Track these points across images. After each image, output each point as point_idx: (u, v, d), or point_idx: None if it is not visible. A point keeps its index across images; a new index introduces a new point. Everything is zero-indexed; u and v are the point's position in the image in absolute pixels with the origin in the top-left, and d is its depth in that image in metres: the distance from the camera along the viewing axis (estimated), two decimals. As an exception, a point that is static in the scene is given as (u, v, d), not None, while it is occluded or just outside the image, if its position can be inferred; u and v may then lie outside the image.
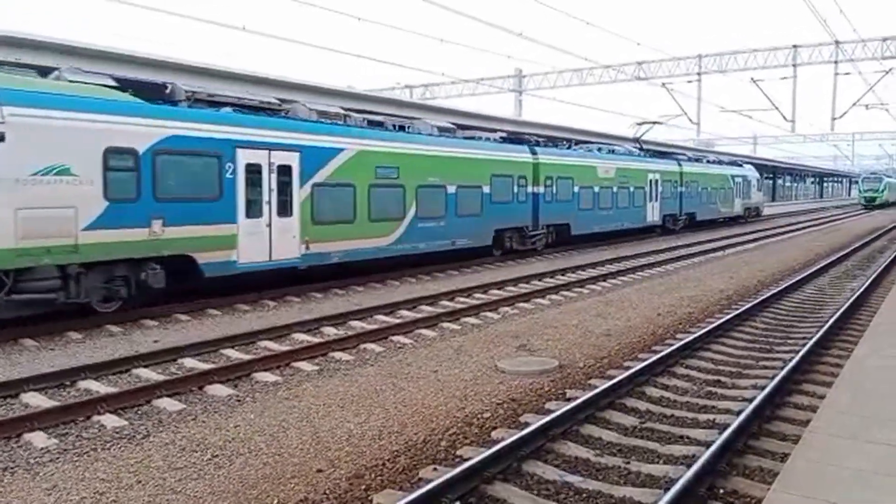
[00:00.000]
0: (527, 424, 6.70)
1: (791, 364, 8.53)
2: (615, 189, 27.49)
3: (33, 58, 15.43)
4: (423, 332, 11.34)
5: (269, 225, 13.92)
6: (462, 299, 14.48)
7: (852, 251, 24.05)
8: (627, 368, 8.74)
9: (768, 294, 14.26)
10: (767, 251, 24.82)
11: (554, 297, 14.93)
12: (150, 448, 6.33)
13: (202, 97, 13.68)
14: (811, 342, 9.70)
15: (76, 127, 10.92)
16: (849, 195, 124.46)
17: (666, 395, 8.04)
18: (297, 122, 14.97)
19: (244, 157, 13.42)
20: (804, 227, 38.97)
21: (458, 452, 6.30)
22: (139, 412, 7.40)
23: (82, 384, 8.33)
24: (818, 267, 18.97)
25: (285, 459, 6.10)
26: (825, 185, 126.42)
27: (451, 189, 18.85)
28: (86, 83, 11.70)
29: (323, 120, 15.81)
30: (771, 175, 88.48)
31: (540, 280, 17.32)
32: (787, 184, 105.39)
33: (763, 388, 7.67)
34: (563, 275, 18.36)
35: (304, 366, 9.23)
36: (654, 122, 34.74)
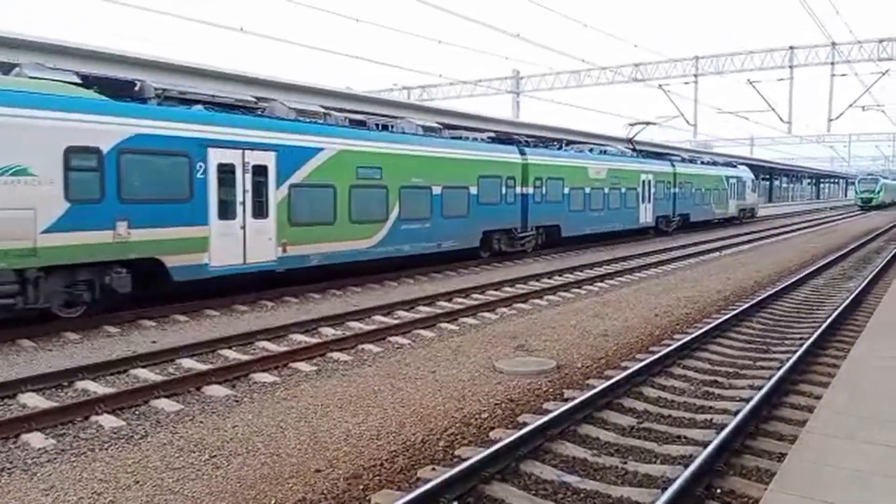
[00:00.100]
0: (525, 424, 6.70)
1: (788, 364, 8.55)
2: (607, 190, 27.17)
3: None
4: (421, 332, 11.34)
5: (244, 227, 13.50)
6: (460, 300, 14.49)
7: (849, 252, 24.10)
8: (625, 369, 8.75)
9: (765, 295, 14.29)
10: (764, 252, 24.87)
11: (551, 297, 14.94)
12: (147, 448, 6.33)
13: (173, 95, 13.27)
14: (808, 343, 9.72)
15: (34, 125, 10.49)
16: (845, 196, 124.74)
17: (663, 395, 8.05)
18: (272, 121, 14.57)
19: (216, 156, 12.97)
20: (801, 229, 39.04)
21: (457, 452, 6.31)
22: (137, 413, 7.40)
23: (80, 384, 8.33)
24: (815, 268, 19.01)
25: (283, 459, 6.10)
26: (822, 186, 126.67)
27: (437, 190, 18.45)
28: (47, 80, 11.28)
29: (301, 119, 15.43)
30: (768, 176, 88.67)
31: (537, 281, 17.33)
32: (784, 185, 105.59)
33: (760, 388, 7.68)
34: (560, 276, 18.38)
35: (303, 366, 9.23)
36: (647, 123, 34.56)
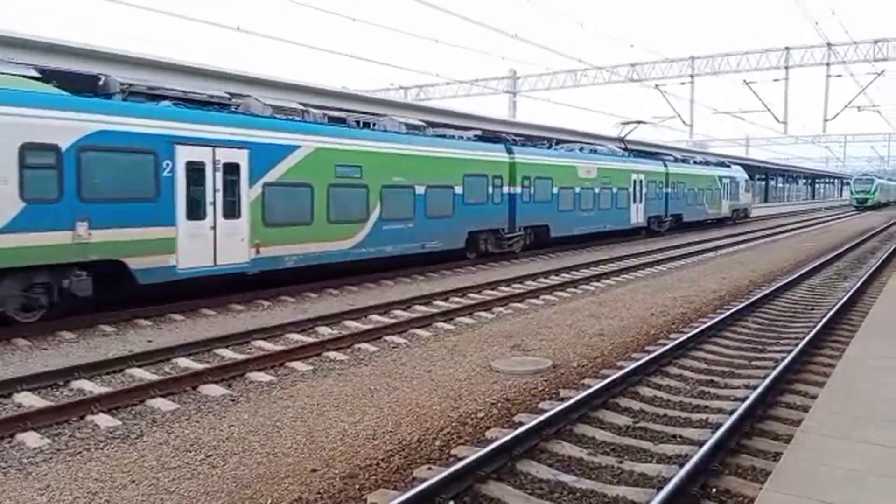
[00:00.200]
0: (521, 424, 6.72)
1: (783, 364, 8.57)
2: (597, 190, 26.83)
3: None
4: (418, 331, 11.34)
5: (214, 227, 13.01)
6: (456, 299, 14.49)
7: (844, 252, 24.17)
8: (621, 368, 8.76)
9: (760, 294, 14.32)
10: (759, 252, 24.92)
11: (548, 297, 14.96)
12: (143, 448, 6.32)
13: (140, 90, 12.82)
14: (803, 342, 9.74)
15: None
16: (840, 196, 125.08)
17: (659, 394, 8.06)
18: (245, 118, 14.09)
19: (184, 154, 12.49)
20: (796, 229, 39.14)
21: (453, 452, 6.31)
22: (133, 412, 7.38)
23: (75, 384, 8.31)
24: (810, 268, 19.07)
25: (279, 459, 6.10)
26: (817, 186, 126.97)
27: (420, 189, 18.01)
28: (1, 73, 10.85)
29: (277, 115, 14.99)
30: (763, 177, 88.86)
31: (533, 280, 17.35)
32: (780, 185, 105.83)
33: (755, 387, 7.70)
34: (556, 275, 18.40)
35: (299, 365, 9.23)
36: (639, 122, 34.16)
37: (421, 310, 13.21)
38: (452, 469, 5.43)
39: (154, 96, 13.02)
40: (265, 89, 20.69)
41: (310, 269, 15.30)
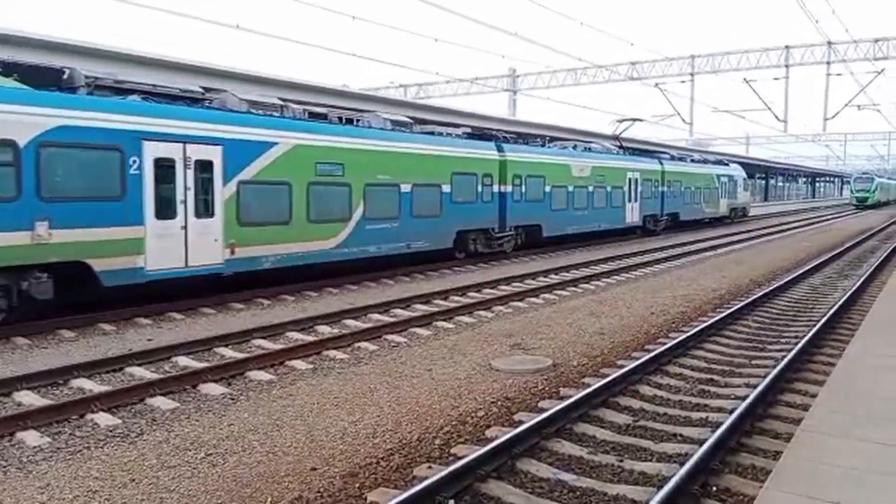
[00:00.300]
0: (520, 423, 6.71)
1: (783, 363, 8.58)
2: (591, 188, 26.36)
3: None
4: (418, 330, 11.34)
5: (185, 227, 12.50)
6: (456, 298, 14.49)
7: (844, 251, 24.17)
8: (621, 367, 8.76)
9: (761, 293, 14.32)
10: (759, 251, 24.92)
11: (547, 296, 14.95)
12: (143, 447, 6.32)
13: (107, 84, 12.28)
14: (803, 341, 9.74)
15: None
16: (840, 195, 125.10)
17: (659, 393, 8.06)
18: (219, 113, 13.54)
19: (152, 150, 11.97)
20: (796, 227, 39.13)
21: (453, 450, 6.31)
22: (133, 411, 7.38)
23: (75, 382, 8.31)
24: (810, 266, 19.06)
25: (279, 458, 6.10)
26: (817, 185, 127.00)
27: (406, 188, 17.52)
28: None
29: (253, 111, 14.45)
30: (763, 175, 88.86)
31: (533, 279, 17.35)
32: (780, 184, 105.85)
33: (755, 386, 7.70)
34: (555, 274, 18.40)
35: (299, 364, 9.23)
36: (635, 120, 33.69)
37: (421, 308, 13.20)
38: (452, 468, 5.44)
39: (122, 90, 12.53)
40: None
41: (290, 270, 14.90)
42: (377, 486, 5.58)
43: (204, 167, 12.88)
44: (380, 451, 6.28)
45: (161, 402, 7.59)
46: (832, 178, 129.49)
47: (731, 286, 16.07)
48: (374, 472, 5.84)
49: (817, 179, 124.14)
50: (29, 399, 7.70)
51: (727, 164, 43.77)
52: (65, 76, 12.13)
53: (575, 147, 27.99)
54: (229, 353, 9.79)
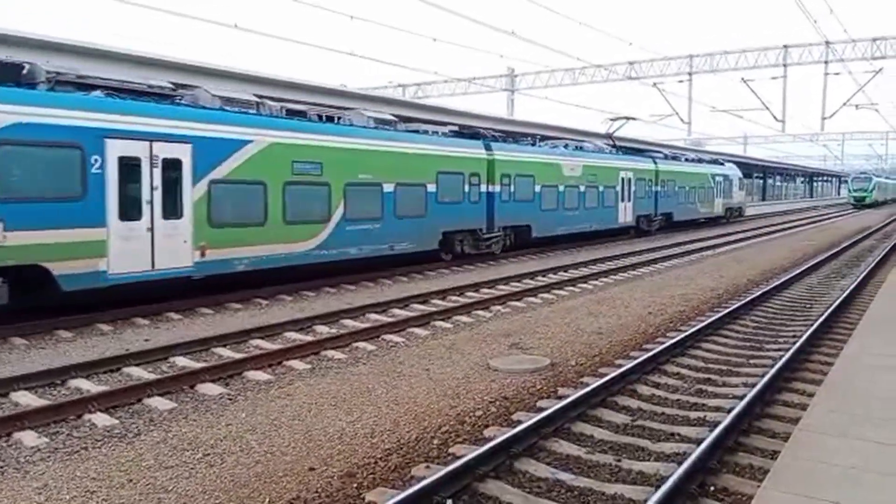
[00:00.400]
0: (519, 422, 6.72)
1: (781, 362, 8.59)
2: (583, 188, 25.93)
3: None
4: (416, 330, 11.34)
5: (152, 228, 12.00)
6: (454, 298, 14.49)
7: (842, 250, 24.20)
8: (619, 366, 8.76)
9: (759, 292, 14.33)
10: (757, 251, 24.95)
11: (545, 295, 14.96)
12: (141, 447, 6.31)
13: (69, 79, 11.79)
14: (801, 340, 9.76)
15: None
16: (838, 195, 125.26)
17: (657, 393, 8.07)
18: (188, 110, 13.01)
19: (116, 149, 11.46)
20: (794, 227, 39.18)
21: (451, 450, 6.31)
22: (130, 411, 7.37)
23: (73, 383, 8.29)
24: (808, 266, 19.08)
25: (277, 458, 6.09)
26: (815, 184, 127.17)
27: (389, 188, 17.01)
28: None
29: (227, 108, 13.95)
30: (761, 175, 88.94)
31: (531, 279, 17.35)
32: (778, 183, 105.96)
33: (753, 385, 7.71)
34: (553, 273, 18.41)
35: (297, 364, 9.22)
36: (628, 118, 33.16)
37: (418, 308, 13.20)
38: (451, 468, 5.43)
39: (85, 86, 11.95)
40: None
41: (266, 272, 14.43)
42: (375, 486, 5.58)
43: (172, 166, 12.40)
44: (378, 450, 6.27)
45: (159, 403, 7.58)
46: (830, 178, 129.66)
47: (729, 285, 16.08)
48: (372, 472, 5.84)
49: (815, 179, 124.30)
50: (26, 399, 7.69)
51: (722, 164, 43.38)
52: (24, 72, 11.58)
53: (566, 146, 27.59)
54: (227, 354, 9.78)
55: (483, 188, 20.65)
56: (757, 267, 19.53)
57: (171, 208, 12.38)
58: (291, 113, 15.78)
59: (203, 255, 12.86)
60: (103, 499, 5.29)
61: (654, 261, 21.25)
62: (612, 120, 33.05)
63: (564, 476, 5.74)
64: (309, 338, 10.66)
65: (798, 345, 9.49)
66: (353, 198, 16.03)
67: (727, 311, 12.21)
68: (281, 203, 14.32)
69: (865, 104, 41.91)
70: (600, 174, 27.31)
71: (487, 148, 21.20)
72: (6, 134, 10.32)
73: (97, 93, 11.92)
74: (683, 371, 8.99)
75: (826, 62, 35.30)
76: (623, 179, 29.20)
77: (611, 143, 32.50)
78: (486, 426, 6.94)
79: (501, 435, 6.21)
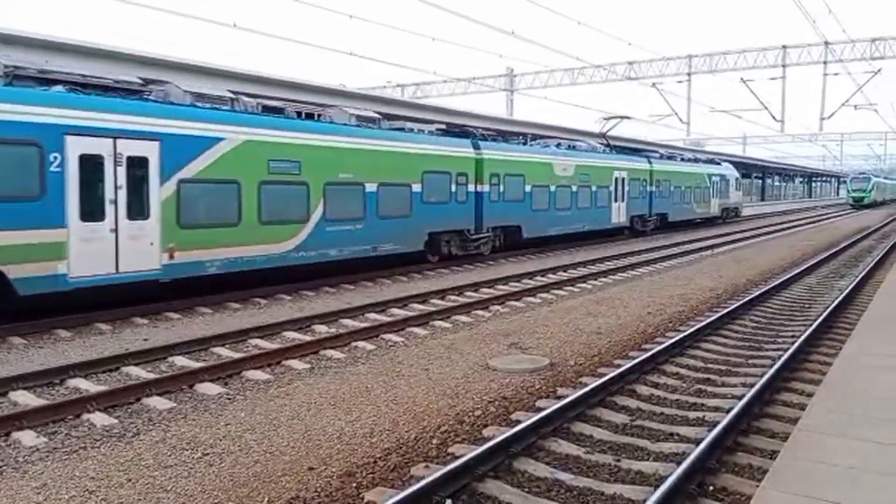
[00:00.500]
0: (518, 422, 6.71)
1: (780, 362, 8.59)
2: (575, 188, 25.50)
3: None
4: (415, 330, 11.34)
5: (116, 229, 11.49)
6: (453, 297, 14.49)
7: (840, 250, 24.22)
8: (618, 366, 8.77)
9: (758, 292, 14.34)
10: (756, 251, 24.96)
11: (545, 295, 14.96)
12: (140, 446, 6.31)
13: (30, 73, 11.35)
14: (800, 340, 9.76)
15: None
16: (837, 195, 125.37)
17: (656, 392, 8.07)
18: (156, 106, 12.50)
19: (77, 146, 10.98)
20: (792, 227, 39.20)
21: (450, 450, 6.31)
22: (129, 410, 7.37)
23: (71, 382, 8.29)
24: (806, 266, 19.10)
25: (276, 457, 6.09)
26: (814, 184, 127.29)
27: (371, 187, 16.56)
28: None
29: (198, 104, 13.45)
30: (760, 175, 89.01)
31: (531, 279, 17.36)
32: (776, 183, 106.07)
33: (752, 385, 7.71)
34: (553, 273, 18.41)
35: (296, 364, 9.22)
36: (622, 117, 32.85)
37: (418, 308, 13.20)
38: (450, 467, 5.43)
39: (46, 80, 11.53)
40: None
41: (243, 275, 13.99)
42: (374, 486, 5.57)
43: (138, 164, 11.89)
44: (377, 450, 6.27)
45: (157, 402, 7.57)
46: (829, 178, 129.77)
47: (728, 285, 16.09)
48: (371, 472, 5.84)
49: (814, 179, 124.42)
50: (25, 399, 7.69)
51: (719, 164, 43.11)
52: None
53: (558, 145, 27.28)
54: (226, 353, 9.78)
55: (471, 188, 20.26)
56: (756, 267, 19.54)
57: (137, 208, 11.92)
58: (268, 110, 15.32)
59: (172, 257, 12.40)
60: (102, 498, 5.29)
61: (653, 261, 21.26)
62: (606, 119, 32.74)
63: (563, 476, 5.74)
64: (308, 337, 10.66)
65: (797, 345, 9.50)
66: (334, 198, 15.59)
67: (726, 311, 12.22)
68: (256, 203, 13.88)
69: (864, 104, 41.98)
70: (593, 174, 26.94)
71: (476, 147, 20.80)
72: None
73: (58, 88, 11.47)
74: (682, 371, 8.99)
75: (825, 63, 35.36)
76: (617, 179, 28.86)
77: (605, 142, 32.24)
78: (486, 426, 6.94)
79: (500, 435, 6.21)
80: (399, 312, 12.75)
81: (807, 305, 13.77)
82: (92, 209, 11.25)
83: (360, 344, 10.31)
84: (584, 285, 16.46)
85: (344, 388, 8.07)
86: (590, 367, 9.22)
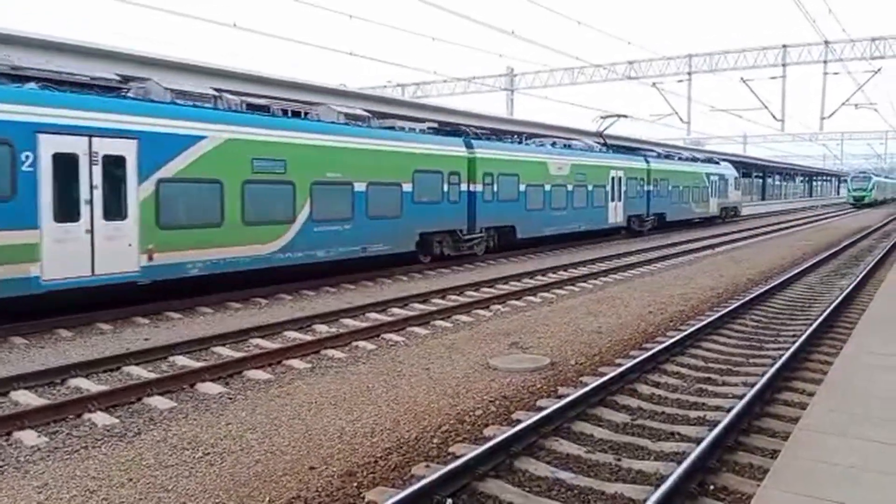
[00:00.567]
0: (519, 422, 6.72)
1: (781, 362, 8.59)
2: (570, 187, 25.24)
3: None
4: (415, 329, 11.34)
5: (91, 230, 11.17)
6: (453, 297, 14.49)
7: (841, 250, 24.21)
8: (619, 366, 8.77)
9: (758, 292, 14.34)
10: (756, 250, 24.96)
11: (545, 294, 14.96)
12: (141, 446, 6.31)
13: (1, 70, 11.12)
14: (801, 340, 9.76)
15: None
16: (837, 194, 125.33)
17: (657, 392, 8.07)
18: (134, 103, 12.19)
19: (50, 145, 10.67)
20: (793, 226, 39.19)
21: (451, 449, 6.31)
22: (130, 410, 7.37)
23: (73, 382, 8.30)
24: (807, 265, 19.09)
25: (277, 457, 6.09)
26: (814, 184, 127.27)
27: (360, 187, 16.26)
28: None
29: (178, 101, 13.10)
30: (760, 174, 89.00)
31: (531, 278, 17.36)
32: (777, 183, 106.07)
33: (753, 385, 7.72)
34: (553, 273, 18.42)
35: (297, 363, 9.22)
36: (619, 116, 32.38)
37: (418, 308, 13.21)
38: (450, 467, 5.43)
39: (19, 77, 11.24)
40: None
41: (227, 277, 13.67)
42: (375, 486, 5.58)
43: (115, 163, 11.58)
44: (378, 450, 6.27)
45: (158, 402, 7.58)
46: (829, 178, 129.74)
47: (728, 285, 16.09)
48: (372, 472, 5.84)
49: (814, 178, 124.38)
50: (26, 398, 7.69)
51: (717, 163, 42.84)
52: None
53: (554, 144, 26.99)
54: (227, 353, 9.79)
55: (464, 187, 19.97)
56: (756, 266, 19.54)
57: (114, 209, 11.59)
58: (253, 108, 14.97)
59: (151, 258, 12.09)
60: (103, 498, 5.29)
61: (652, 261, 21.26)
62: (602, 118, 32.40)
63: (564, 475, 5.74)
64: (309, 337, 10.66)
65: (798, 344, 9.50)
66: (321, 197, 15.27)
67: (727, 310, 12.21)
68: (239, 203, 13.55)
69: (864, 104, 41.92)
70: (589, 173, 26.70)
71: (468, 146, 20.51)
72: None
73: (31, 85, 11.19)
74: (683, 370, 8.99)
75: (825, 62, 35.32)
76: (613, 178, 28.61)
77: (601, 141, 32.03)
78: (486, 425, 6.94)
79: (501, 434, 6.21)
80: (400, 312, 12.76)
81: (807, 305, 13.77)
82: (66, 210, 10.96)
83: (361, 343, 10.31)
84: (584, 285, 16.46)
85: (345, 388, 8.07)
86: (591, 367, 9.22)
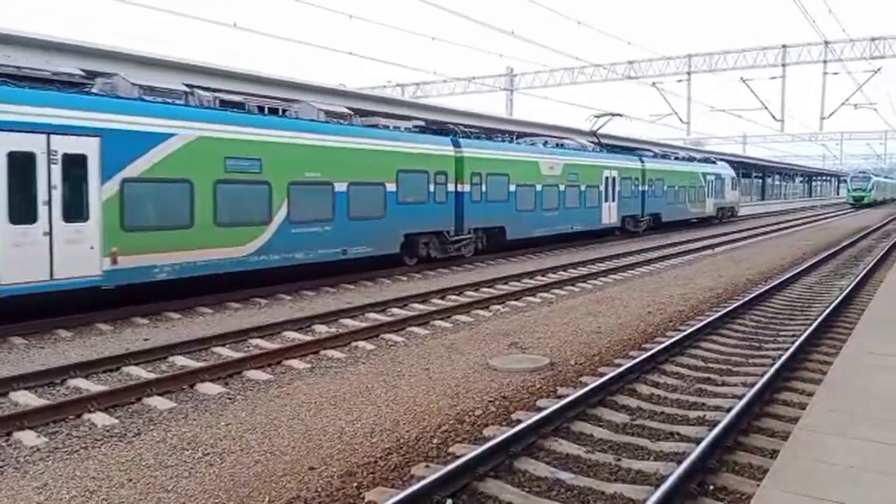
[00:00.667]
0: (518, 422, 6.72)
1: (780, 362, 8.59)
2: (562, 187, 24.82)
3: None
4: (415, 329, 11.34)
5: (50, 233, 10.69)
6: (453, 297, 14.49)
7: (840, 250, 24.22)
8: (618, 366, 8.77)
9: (757, 292, 14.34)
10: (755, 250, 24.96)
11: (545, 295, 14.97)
12: (140, 446, 6.31)
13: None
14: (800, 340, 9.76)
15: None
16: (837, 194, 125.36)
17: (657, 392, 8.08)
18: (96, 99, 11.64)
19: (4, 143, 10.24)
20: (793, 226, 39.19)
21: (450, 450, 6.31)
22: (130, 410, 7.37)
23: (72, 382, 8.30)
24: (806, 265, 19.10)
25: (277, 457, 6.09)
26: (814, 184, 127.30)
27: (341, 187, 15.76)
28: None
29: (147, 98, 12.63)
30: (760, 174, 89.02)
31: (531, 278, 17.37)
32: (776, 183, 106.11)
33: (753, 385, 7.72)
34: (552, 273, 18.42)
35: (296, 364, 9.22)
36: (613, 115, 31.86)
37: (418, 308, 13.21)
38: (450, 467, 5.44)
39: None
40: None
41: (197, 281, 13.19)
42: (375, 486, 5.58)
43: (76, 162, 11.09)
44: (377, 450, 6.27)
45: (158, 402, 7.58)
46: (829, 178, 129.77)
47: (727, 285, 16.09)
48: (371, 472, 5.84)
49: (814, 179, 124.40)
50: (26, 399, 7.69)
51: (714, 163, 42.54)
52: None
53: (545, 143, 26.48)
54: (226, 353, 9.79)
55: (451, 187, 19.49)
56: (755, 267, 19.54)
57: (75, 210, 11.08)
58: (227, 104, 14.38)
59: (115, 262, 11.58)
60: (103, 498, 5.29)
61: (652, 261, 21.27)
62: (596, 117, 31.90)
63: (564, 475, 5.74)
64: (308, 337, 10.66)
65: (797, 344, 9.50)
66: (299, 198, 14.75)
67: (726, 310, 12.22)
68: (211, 204, 13.04)
69: (864, 104, 41.91)
70: (582, 173, 26.28)
71: (456, 144, 20.02)
72: None
73: None
74: (683, 370, 9.00)
75: (825, 62, 35.31)
76: (607, 178, 28.21)
77: (595, 140, 31.61)
78: (486, 425, 6.94)
79: (501, 434, 6.21)
80: (399, 312, 12.76)
81: (807, 305, 13.77)
82: (22, 211, 10.47)
83: (361, 344, 10.31)
84: (583, 285, 16.47)
85: (344, 388, 8.07)
86: (590, 367, 9.22)
